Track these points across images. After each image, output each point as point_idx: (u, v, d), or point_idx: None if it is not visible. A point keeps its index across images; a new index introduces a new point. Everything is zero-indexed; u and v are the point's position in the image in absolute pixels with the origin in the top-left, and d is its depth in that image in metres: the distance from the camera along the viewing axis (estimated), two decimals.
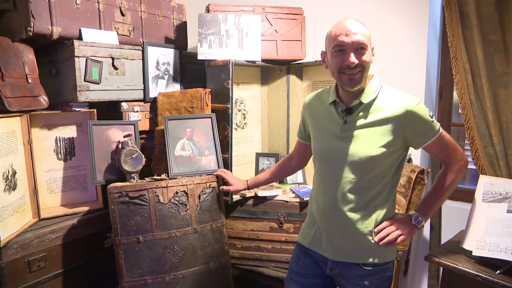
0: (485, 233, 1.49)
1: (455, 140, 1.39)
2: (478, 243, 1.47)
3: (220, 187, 1.90)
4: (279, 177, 1.81)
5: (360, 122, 1.30)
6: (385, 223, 1.33)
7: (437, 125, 1.31)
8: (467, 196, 2.26)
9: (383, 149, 1.27)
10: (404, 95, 1.30)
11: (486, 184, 1.64)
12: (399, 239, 1.32)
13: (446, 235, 2.27)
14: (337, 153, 1.33)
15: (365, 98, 1.30)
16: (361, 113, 1.31)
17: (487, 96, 1.87)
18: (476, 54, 1.88)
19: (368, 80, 1.34)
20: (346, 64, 1.24)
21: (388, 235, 1.31)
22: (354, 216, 1.32)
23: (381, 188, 1.33)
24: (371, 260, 1.33)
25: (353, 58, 1.23)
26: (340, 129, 1.33)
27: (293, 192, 2.21)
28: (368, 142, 1.28)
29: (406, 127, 1.27)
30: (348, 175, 1.31)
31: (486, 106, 1.89)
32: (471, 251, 1.49)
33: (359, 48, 1.24)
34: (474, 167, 2.09)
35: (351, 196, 1.32)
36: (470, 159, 2.15)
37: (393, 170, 1.33)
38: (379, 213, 1.34)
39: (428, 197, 1.40)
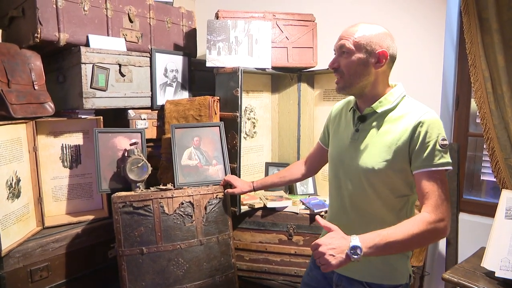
0: (509, 252, 1.40)
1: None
2: (501, 263, 1.38)
3: (225, 191, 1.84)
4: (288, 181, 1.71)
5: (371, 131, 1.22)
6: (318, 241, 1.07)
7: (444, 159, 1.10)
8: (485, 210, 2.18)
9: (387, 163, 1.16)
10: (427, 109, 1.16)
11: (509, 199, 1.55)
12: (323, 266, 1.04)
13: (463, 251, 2.17)
14: (344, 162, 1.27)
15: (379, 107, 1.22)
16: (374, 122, 1.23)
17: (508, 105, 1.79)
18: (496, 61, 1.80)
19: (389, 89, 1.24)
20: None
21: (315, 256, 1.07)
22: (356, 229, 1.19)
23: (388, 206, 1.20)
24: (376, 280, 1.22)
25: (331, 61, 1.25)
26: (351, 137, 1.27)
27: (303, 204, 2.14)
28: (372, 154, 1.19)
29: (412, 141, 1.13)
30: (351, 186, 1.25)
31: (508, 115, 1.81)
32: (494, 272, 1.40)
33: (342, 52, 1.21)
34: (493, 179, 2.00)
35: (353, 208, 1.25)
36: (487, 171, 2.06)
37: (404, 190, 1.19)
38: None
39: (384, 230, 1.08)
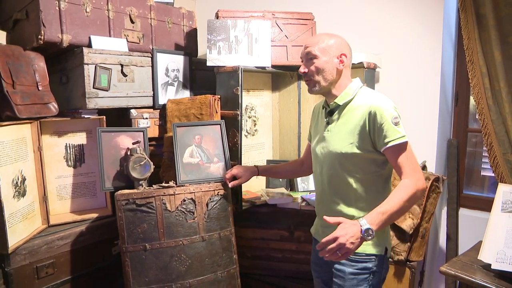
0: (505, 245, 1.42)
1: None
2: (497, 256, 1.40)
3: (229, 184, 1.81)
4: (290, 175, 2.03)
5: (337, 122, 1.44)
6: (334, 234, 1.18)
7: (399, 134, 1.29)
8: (485, 205, 2.18)
9: (352, 146, 1.36)
10: (377, 96, 1.37)
11: (505, 193, 1.57)
12: (344, 255, 1.19)
13: (464, 246, 2.19)
14: (321, 151, 1.48)
15: (341, 100, 1.43)
16: (338, 114, 1.44)
17: (505, 100, 1.80)
18: (493, 57, 1.82)
19: (349, 84, 1.45)
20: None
21: (334, 249, 1.17)
22: (336, 206, 1.43)
23: (361, 183, 1.38)
24: None
25: (301, 68, 1.47)
26: (323, 129, 1.49)
27: (304, 200, 2.16)
28: (339, 140, 1.40)
29: (369, 125, 1.33)
30: (327, 171, 1.45)
31: (505, 111, 1.82)
32: (490, 264, 1.42)
33: (309, 58, 1.43)
34: (492, 174, 2.01)
35: (331, 190, 1.45)
36: (488, 166, 2.08)
37: (371, 168, 1.38)
38: (361, 206, 1.39)
39: (382, 207, 1.25)
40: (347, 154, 1.37)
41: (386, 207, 1.24)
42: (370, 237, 1.19)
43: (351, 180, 1.39)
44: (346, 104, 1.43)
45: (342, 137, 1.40)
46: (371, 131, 1.33)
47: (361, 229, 1.18)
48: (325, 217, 1.27)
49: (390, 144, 1.29)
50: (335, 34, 1.46)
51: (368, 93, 1.42)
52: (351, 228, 1.19)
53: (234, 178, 1.83)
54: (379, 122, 1.30)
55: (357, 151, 1.35)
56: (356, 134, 1.36)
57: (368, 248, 1.37)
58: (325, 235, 1.34)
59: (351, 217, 1.36)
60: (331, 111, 1.47)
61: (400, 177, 1.32)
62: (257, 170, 1.83)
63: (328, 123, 1.47)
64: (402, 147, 1.30)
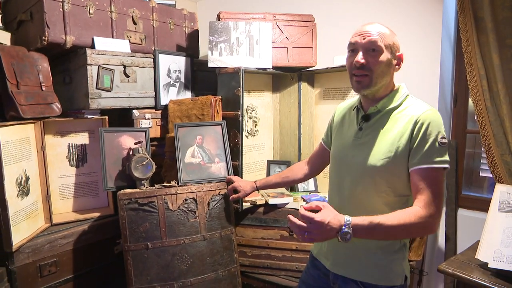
0: (502, 244, 1.43)
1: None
2: (494, 255, 1.42)
3: (230, 197, 1.84)
4: (291, 182, 1.71)
5: (375, 130, 1.23)
6: (313, 216, 1.05)
7: (441, 158, 1.11)
8: (483, 205, 2.20)
9: (391, 160, 1.16)
10: (428, 108, 1.18)
11: (502, 193, 1.59)
12: (307, 238, 1.07)
13: (462, 246, 2.20)
14: (346, 160, 1.28)
15: (384, 106, 1.23)
16: (378, 121, 1.24)
17: (503, 102, 1.82)
18: (491, 59, 1.83)
19: (393, 88, 1.27)
20: (354, 64, 1.19)
21: (302, 228, 1.06)
22: None
23: (388, 204, 1.20)
24: (370, 280, 1.22)
25: (359, 57, 1.18)
26: (354, 136, 1.28)
27: (304, 200, 2.18)
28: (375, 151, 1.19)
29: (412, 136, 1.14)
30: (352, 185, 1.25)
31: (503, 112, 1.84)
32: (487, 263, 1.44)
33: (371, 49, 1.17)
34: (491, 175, 2.03)
35: (353, 207, 1.24)
36: (486, 167, 2.10)
37: (405, 189, 1.19)
38: None
39: (378, 218, 1.09)
40: (382, 169, 1.17)
41: (382, 220, 1.07)
42: (343, 241, 1.05)
43: (379, 201, 1.20)
44: (389, 111, 1.23)
45: (379, 149, 1.19)
46: (412, 144, 1.14)
47: (341, 229, 1.05)
48: (300, 209, 1.09)
49: (426, 165, 1.11)
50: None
51: (417, 103, 1.22)
52: (331, 223, 1.04)
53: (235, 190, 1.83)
54: (424, 136, 1.12)
55: (394, 167, 1.16)
56: (396, 147, 1.16)
57: (393, 278, 1.23)
58: (332, 257, 1.30)
59: (365, 243, 1.22)
60: (367, 116, 1.26)
61: (414, 201, 1.13)
62: (256, 186, 1.77)
63: (361, 129, 1.26)
64: (436, 173, 1.11)
